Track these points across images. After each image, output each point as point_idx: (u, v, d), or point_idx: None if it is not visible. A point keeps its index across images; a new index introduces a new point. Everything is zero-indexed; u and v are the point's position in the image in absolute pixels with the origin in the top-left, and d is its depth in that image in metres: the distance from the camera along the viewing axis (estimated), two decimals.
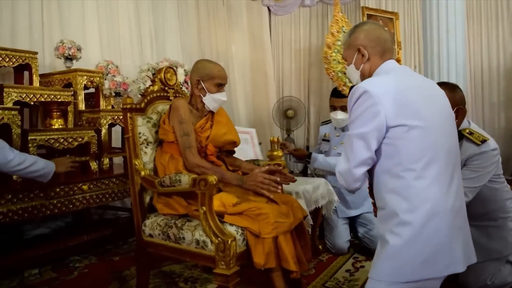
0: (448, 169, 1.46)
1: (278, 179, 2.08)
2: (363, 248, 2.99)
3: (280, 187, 2.13)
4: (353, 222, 3.09)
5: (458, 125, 2.07)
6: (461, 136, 2.07)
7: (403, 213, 1.39)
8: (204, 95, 2.23)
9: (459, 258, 1.42)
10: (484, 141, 2.04)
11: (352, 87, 1.54)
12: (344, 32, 1.96)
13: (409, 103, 1.44)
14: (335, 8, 1.91)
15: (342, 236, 2.96)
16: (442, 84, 2.01)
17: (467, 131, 2.10)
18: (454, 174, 1.48)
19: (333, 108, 3.08)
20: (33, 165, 2.15)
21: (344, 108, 2.95)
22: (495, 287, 2.17)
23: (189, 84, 3.82)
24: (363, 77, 1.66)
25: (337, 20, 1.81)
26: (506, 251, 2.17)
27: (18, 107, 2.74)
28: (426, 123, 1.43)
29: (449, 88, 2.05)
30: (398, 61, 5.30)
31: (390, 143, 1.42)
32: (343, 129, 3.09)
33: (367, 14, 5.67)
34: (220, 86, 2.24)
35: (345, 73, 2.02)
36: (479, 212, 2.11)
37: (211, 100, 2.24)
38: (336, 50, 1.91)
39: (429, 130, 1.43)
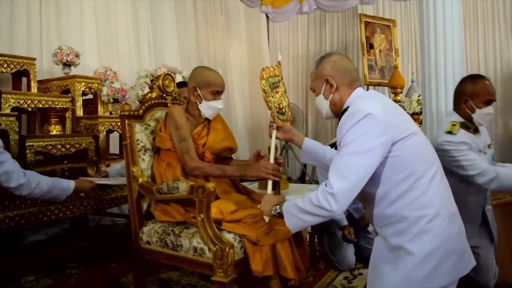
0: (443, 174, 1.56)
1: (281, 160, 2.12)
2: (361, 256, 2.97)
3: (281, 169, 2.07)
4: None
5: None
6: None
7: (429, 220, 1.41)
8: (200, 102, 2.22)
9: (470, 250, 1.52)
10: None
11: (343, 111, 1.56)
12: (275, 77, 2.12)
13: (400, 120, 1.52)
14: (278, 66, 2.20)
15: (349, 251, 2.83)
16: (480, 76, 2.24)
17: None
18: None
19: None
20: (44, 189, 2.14)
21: None
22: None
23: None
24: (334, 106, 1.67)
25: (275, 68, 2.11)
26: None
27: (16, 113, 2.73)
28: (418, 132, 1.53)
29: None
30: (396, 68, 5.34)
31: (398, 155, 1.45)
32: None
33: (365, 21, 5.71)
34: (216, 94, 2.23)
35: (279, 110, 2.12)
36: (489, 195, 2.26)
37: (206, 108, 2.23)
38: (268, 86, 2.05)
39: (423, 138, 1.55)
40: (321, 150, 1.99)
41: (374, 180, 1.48)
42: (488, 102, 2.17)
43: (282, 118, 2.13)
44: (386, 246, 1.51)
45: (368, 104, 1.49)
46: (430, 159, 1.51)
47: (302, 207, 1.49)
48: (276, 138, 2.04)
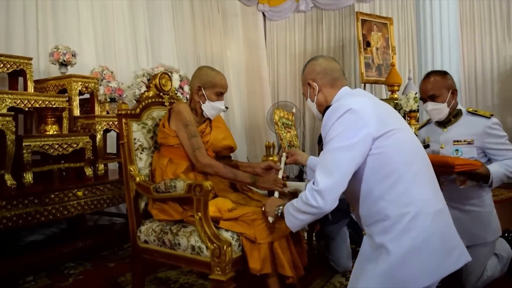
0: (432, 171, 1.57)
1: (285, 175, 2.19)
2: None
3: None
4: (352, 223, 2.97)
5: (455, 105, 2.27)
6: (461, 113, 2.28)
7: (411, 218, 1.40)
8: (204, 102, 2.23)
9: (463, 246, 1.49)
10: (491, 115, 2.19)
11: (327, 107, 1.60)
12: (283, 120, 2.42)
13: (384, 116, 1.53)
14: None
15: (345, 254, 2.75)
16: (433, 72, 2.31)
17: (471, 109, 2.27)
18: (434, 176, 1.59)
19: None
20: None
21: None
22: (488, 279, 2.24)
23: (184, 90, 3.85)
24: (320, 107, 1.73)
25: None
26: (489, 238, 2.22)
27: (12, 113, 2.72)
28: (402, 128, 1.55)
29: (441, 74, 2.28)
30: (393, 65, 5.34)
31: (380, 152, 1.46)
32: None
33: (362, 19, 5.72)
34: (220, 95, 2.24)
35: (290, 145, 2.35)
36: (468, 195, 2.20)
37: (209, 108, 2.23)
38: (281, 123, 2.36)
39: (408, 135, 1.56)
40: None
41: (357, 178, 1.50)
42: (422, 99, 2.30)
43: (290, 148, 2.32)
44: (371, 245, 1.51)
45: (351, 100, 1.54)
46: (414, 155, 1.52)
47: (296, 206, 1.55)
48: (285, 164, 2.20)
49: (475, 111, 2.25)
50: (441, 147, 2.27)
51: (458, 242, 1.48)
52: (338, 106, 1.51)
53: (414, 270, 1.38)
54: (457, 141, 2.22)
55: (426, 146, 2.39)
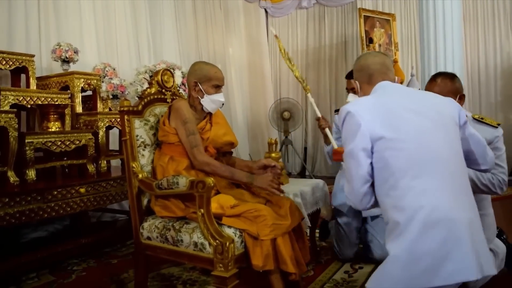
0: (447, 177, 1.43)
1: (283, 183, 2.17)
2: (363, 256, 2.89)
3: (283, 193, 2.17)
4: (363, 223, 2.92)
5: None
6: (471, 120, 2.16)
7: (401, 224, 1.38)
8: (202, 97, 2.23)
9: (470, 265, 1.33)
10: (498, 124, 2.12)
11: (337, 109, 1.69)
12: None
13: (389, 116, 1.49)
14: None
15: (352, 244, 2.80)
16: (442, 74, 2.21)
17: (477, 116, 2.18)
18: (456, 182, 1.45)
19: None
20: None
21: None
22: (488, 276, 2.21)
23: (186, 86, 3.84)
24: None
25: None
26: (489, 240, 2.18)
27: (15, 110, 2.72)
28: (407, 135, 1.44)
29: (449, 77, 2.18)
30: (396, 62, 5.32)
31: (379, 156, 1.47)
32: None
33: (364, 15, 5.69)
34: (217, 88, 2.24)
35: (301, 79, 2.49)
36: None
37: (209, 102, 2.23)
38: (287, 57, 2.56)
39: (413, 141, 1.44)
40: None
41: (372, 176, 1.52)
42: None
43: (306, 86, 2.41)
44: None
45: (357, 101, 1.58)
46: (419, 160, 1.42)
47: None
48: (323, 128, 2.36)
49: (482, 118, 2.14)
50: None
51: (456, 257, 1.33)
52: (343, 109, 1.56)
53: (391, 279, 1.36)
54: None
55: None
